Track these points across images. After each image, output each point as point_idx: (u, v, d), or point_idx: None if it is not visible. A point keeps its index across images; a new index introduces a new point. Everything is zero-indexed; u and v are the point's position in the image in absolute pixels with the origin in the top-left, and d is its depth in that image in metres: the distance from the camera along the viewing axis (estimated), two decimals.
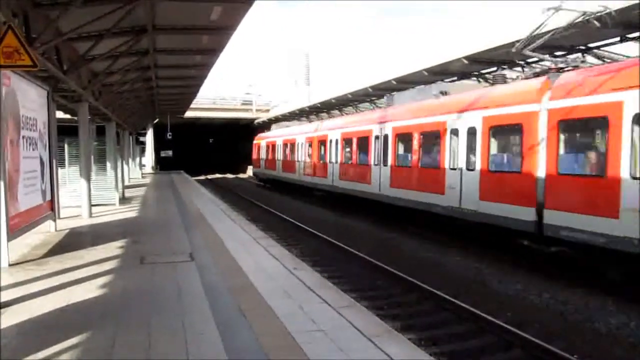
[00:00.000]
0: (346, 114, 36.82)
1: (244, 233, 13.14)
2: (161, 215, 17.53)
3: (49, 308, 6.75)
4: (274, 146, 38.08)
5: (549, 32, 13.19)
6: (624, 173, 9.56)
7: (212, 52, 16.08)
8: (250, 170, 55.03)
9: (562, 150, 11.34)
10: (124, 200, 21.68)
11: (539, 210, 11.65)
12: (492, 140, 13.51)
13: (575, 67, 12.38)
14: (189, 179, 39.88)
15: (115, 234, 12.92)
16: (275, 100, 63.74)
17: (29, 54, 7.42)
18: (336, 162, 24.66)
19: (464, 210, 14.29)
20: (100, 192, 19.44)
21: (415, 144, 17.28)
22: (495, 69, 20.77)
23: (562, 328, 8.72)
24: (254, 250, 10.87)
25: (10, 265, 9.19)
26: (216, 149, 74.62)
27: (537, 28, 13.21)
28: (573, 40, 15.63)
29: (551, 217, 11.24)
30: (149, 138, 52.77)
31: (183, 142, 64.62)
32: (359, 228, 19.38)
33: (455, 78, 23.21)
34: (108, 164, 20.32)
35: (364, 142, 21.50)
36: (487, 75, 21.59)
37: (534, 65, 15.72)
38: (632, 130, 9.47)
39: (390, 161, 19.02)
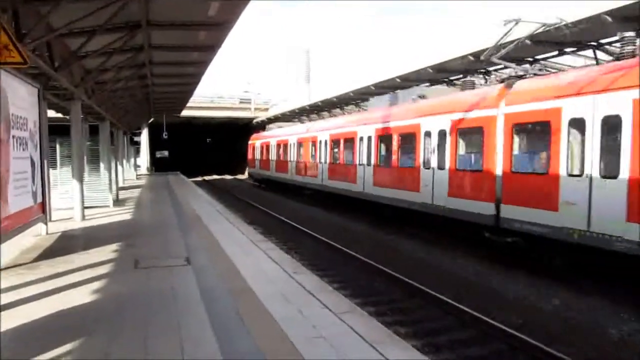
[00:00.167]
0: (347, 113, 37.01)
1: (242, 235, 13.15)
2: (157, 217, 17.56)
3: (41, 313, 6.77)
4: (267, 146, 39.79)
5: (513, 41, 14.84)
6: (562, 171, 11.38)
7: (210, 48, 16.06)
8: None
9: (515, 151, 13.10)
10: (118, 202, 21.71)
11: (497, 205, 13.37)
12: (459, 141, 15.32)
13: (535, 75, 14.14)
14: (185, 180, 39.89)
15: (109, 237, 12.92)
16: (275, 99, 63.96)
17: (18, 51, 7.43)
18: (325, 162, 26.58)
19: (436, 207, 16.03)
20: (93, 194, 19.45)
21: (395, 145, 19.10)
22: (460, 75, 22.77)
23: (574, 336, 8.73)
24: (252, 253, 10.88)
25: (0, 269, 9.21)
26: (214, 149, 74.67)
27: (501, 38, 14.93)
28: (533, 51, 17.43)
29: (506, 211, 12.98)
30: (144, 138, 52.81)
31: (179, 142, 64.65)
32: (357, 229, 19.71)
33: (460, 76, 23.49)
34: (101, 165, 20.35)
35: (349, 143, 23.33)
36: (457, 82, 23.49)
37: (500, 72, 17.24)
38: (569, 133, 11.31)
39: (372, 161, 20.89)
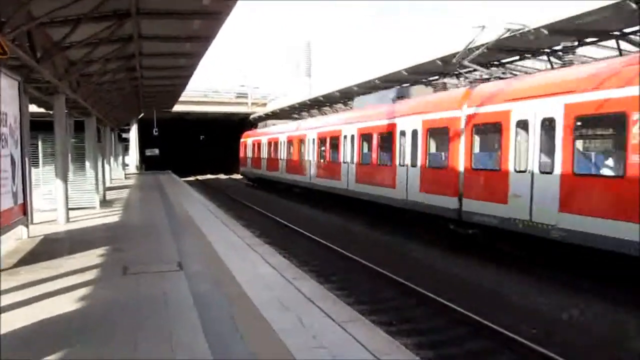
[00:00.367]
0: (351, 108, 37.15)
1: (237, 239, 13.14)
2: (147, 219, 17.56)
3: (21, 323, 6.76)
4: (259, 145, 41.66)
5: (481, 45, 16.85)
6: (511, 167, 13.38)
7: (204, 39, 16.06)
8: None
9: (475, 150, 15.04)
10: (105, 203, 21.72)
11: (460, 199, 15.30)
12: (430, 140, 17.26)
13: (499, 78, 15.95)
14: (177, 179, 39.92)
15: (96, 240, 12.93)
16: (274, 93, 63.92)
17: None
18: (313, 160, 28.60)
19: (410, 202, 17.95)
20: (79, 194, 19.46)
21: (375, 143, 21.16)
22: (437, 77, 25.47)
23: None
24: (248, 257, 10.87)
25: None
26: (208, 147, 74.64)
27: (469, 44, 16.88)
28: (500, 54, 20.00)
29: (467, 204, 14.96)
30: (133, 135, 52.84)
31: (171, 140, 64.59)
32: (355, 229, 20.10)
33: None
34: (87, 164, 20.35)
35: (335, 142, 25.38)
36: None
37: (470, 74, 19.05)
38: (517, 134, 13.24)
39: (355, 159, 22.92)
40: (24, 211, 12.54)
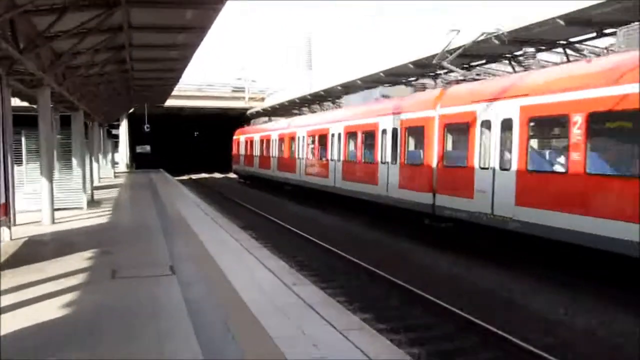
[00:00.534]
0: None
1: (234, 241, 13.12)
2: (137, 221, 17.54)
3: (4, 330, 6.72)
4: (252, 142, 43.73)
5: (459, 47, 18.69)
6: (476, 164, 15.10)
7: (198, 30, 15.99)
8: None
9: (447, 148, 16.85)
10: (93, 203, 21.71)
11: (434, 194, 16.97)
12: (408, 138, 19.03)
13: (473, 80, 17.80)
14: (169, 178, 39.95)
15: (83, 243, 12.93)
16: (272, 88, 63.70)
17: None
18: (303, 158, 30.52)
19: (390, 198, 19.68)
20: (65, 194, 19.45)
21: (359, 141, 23.05)
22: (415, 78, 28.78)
23: None
24: (244, 260, 10.85)
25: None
26: (202, 144, 74.68)
27: (446, 46, 18.92)
28: (476, 56, 22.56)
29: (439, 200, 16.68)
30: (123, 131, 52.82)
31: (163, 136, 64.67)
32: (356, 230, 20.47)
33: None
34: (74, 161, 20.33)
35: (323, 140, 27.28)
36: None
37: (447, 76, 21.36)
38: (481, 133, 14.98)
39: (342, 157, 24.82)
40: (6, 212, 12.53)
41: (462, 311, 10.15)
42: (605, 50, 15.79)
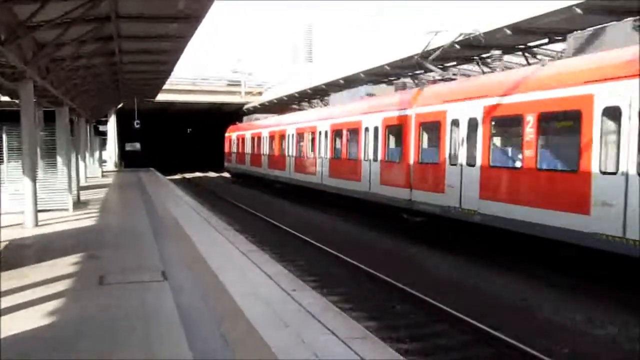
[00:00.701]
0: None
1: (230, 245, 13.09)
2: (126, 223, 17.53)
3: None
4: (243, 139, 45.79)
5: (438, 48, 20.95)
6: (447, 161, 16.83)
7: (191, 19, 15.98)
8: None
9: (423, 145, 18.60)
10: (79, 204, 21.71)
11: (410, 190, 18.81)
12: (388, 136, 20.99)
13: (450, 80, 19.62)
14: (161, 178, 39.93)
15: (68, 246, 12.92)
16: (270, 81, 63.69)
17: None
18: (292, 155, 32.52)
19: (372, 194, 21.66)
20: (49, 194, 19.44)
21: (344, 139, 25.18)
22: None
23: None
24: (241, 265, 10.81)
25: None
26: (196, 142, 74.69)
27: (425, 47, 21.21)
28: (455, 56, 24.97)
29: (415, 195, 18.52)
30: (111, 127, 52.80)
31: (154, 133, 64.68)
32: (355, 232, 20.83)
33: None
34: (59, 160, 20.33)
35: (312, 138, 29.26)
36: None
37: (424, 76, 23.81)
38: (451, 131, 16.72)
39: (328, 154, 26.80)
40: None
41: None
42: (561, 55, 17.76)
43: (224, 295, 8.62)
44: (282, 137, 34.57)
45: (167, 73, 29.91)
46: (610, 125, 11.64)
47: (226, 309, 7.90)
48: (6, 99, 24.02)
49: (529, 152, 13.68)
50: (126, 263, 11.29)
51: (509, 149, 15.37)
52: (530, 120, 13.62)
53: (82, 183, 28.76)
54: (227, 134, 53.16)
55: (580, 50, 13.87)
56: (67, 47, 16.79)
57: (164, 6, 14.57)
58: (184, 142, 75.37)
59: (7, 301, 8.39)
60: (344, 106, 26.22)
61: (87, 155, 37.32)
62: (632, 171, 11.02)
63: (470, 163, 15.80)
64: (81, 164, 29.61)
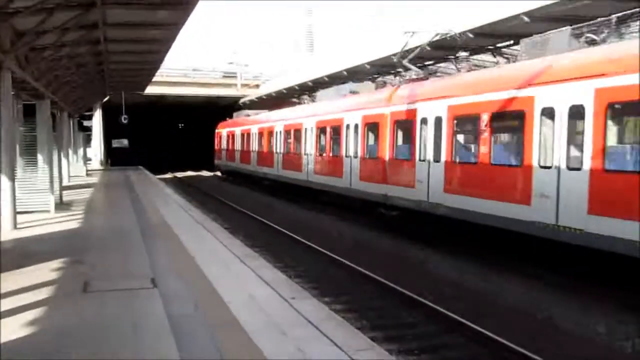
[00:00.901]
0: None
1: (224, 249, 13.13)
2: (113, 226, 17.51)
3: None
4: (233, 136, 48.32)
5: (416, 47, 23.09)
6: (417, 157, 19.07)
7: (183, 6, 15.98)
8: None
9: (398, 142, 20.82)
10: (62, 205, 21.73)
11: (386, 185, 20.92)
12: (368, 133, 23.27)
13: (426, 78, 21.28)
14: (150, 177, 40.02)
15: (50, 251, 12.90)
16: (268, 73, 63.71)
17: None
18: (280, 152, 34.75)
19: (353, 190, 23.94)
20: (29, 195, 19.45)
21: (328, 136, 27.44)
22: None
23: None
24: (237, 271, 10.85)
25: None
26: (188, 138, 74.66)
27: (403, 47, 23.41)
28: (433, 55, 28.01)
29: (390, 190, 20.69)
30: (97, 122, 52.88)
31: (143, 129, 64.72)
32: (364, 237, 20.83)
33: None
34: (40, 157, 20.29)
35: (298, 134, 31.61)
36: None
37: (406, 73, 25.48)
38: (421, 129, 18.90)
39: (313, 151, 28.97)
40: None
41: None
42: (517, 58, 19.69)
43: (218, 303, 8.64)
44: (271, 133, 36.72)
45: (157, 64, 29.89)
46: (547, 123, 13.85)
47: (220, 319, 7.90)
48: None
49: (484, 149, 15.99)
50: (113, 269, 11.27)
51: (469, 146, 17.52)
52: (485, 119, 15.83)
53: (65, 183, 28.76)
54: (217, 131, 55.13)
55: (530, 54, 15.86)
56: (48, 35, 16.77)
57: None
58: (176, 138, 75.40)
59: None
60: (328, 103, 28.85)
61: (71, 152, 37.34)
62: (563, 165, 13.22)
63: (437, 159, 18.04)
64: (64, 162, 29.57)
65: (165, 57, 26.92)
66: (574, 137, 13.21)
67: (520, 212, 14.30)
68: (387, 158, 21.17)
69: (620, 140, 12.90)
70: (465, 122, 17.40)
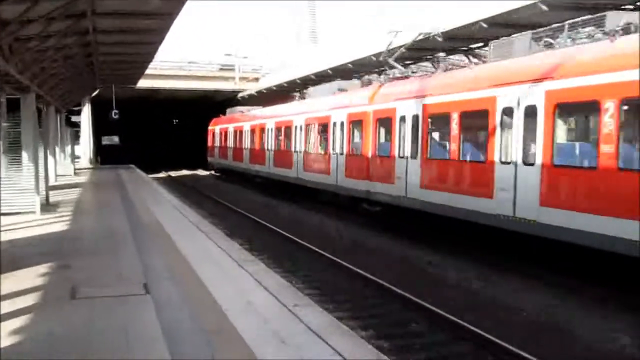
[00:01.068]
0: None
1: (221, 252, 13.13)
2: (103, 228, 17.51)
3: None
4: (226, 133, 50.24)
5: (401, 46, 25.00)
6: (395, 153, 21.08)
7: None
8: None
9: (380, 140, 22.91)
10: (48, 206, 21.76)
11: (369, 182, 22.87)
12: (353, 131, 25.33)
13: (406, 77, 23.15)
14: (143, 176, 40.04)
15: (35, 255, 12.90)
16: (268, 66, 63.72)
17: None
18: (272, 149, 36.68)
19: (339, 187, 25.87)
20: (13, 195, 19.44)
21: (317, 133, 29.46)
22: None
23: None
24: (234, 276, 10.85)
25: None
26: (183, 135, 74.65)
27: (388, 46, 25.40)
28: (418, 54, 30.31)
29: (372, 186, 22.67)
30: (85, 118, 52.90)
31: (135, 125, 64.74)
32: (357, 236, 21.30)
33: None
34: (24, 155, 20.27)
35: (289, 132, 33.58)
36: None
37: (389, 72, 26.92)
38: (400, 126, 20.89)
39: (303, 148, 30.98)
40: None
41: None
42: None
43: (215, 311, 8.63)
44: (262, 130, 38.91)
45: (150, 56, 29.92)
46: (507, 122, 15.73)
47: (218, 327, 7.90)
48: None
49: (454, 146, 17.91)
50: (103, 274, 11.26)
51: (442, 143, 19.40)
52: (455, 117, 17.72)
53: (52, 182, 28.79)
54: (210, 127, 57.44)
55: (496, 56, 17.60)
56: (33, 24, 16.75)
57: None
58: (170, 135, 75.40)
59: None
60: (317, 101, 30.89)
61: (58, 150, 37.38)
62: (520, 161, 15.10)
63: (413, 156, 19.98)
64: (50, 160, 29.59)
65: (158, 48, 26.94)
66: (529, 135, 14.92)
67: (485, 205, 16.11)
68: (369, 155, 23.23)
69: (567, 137, 15.11)
70: (439, 120, 19.32)
